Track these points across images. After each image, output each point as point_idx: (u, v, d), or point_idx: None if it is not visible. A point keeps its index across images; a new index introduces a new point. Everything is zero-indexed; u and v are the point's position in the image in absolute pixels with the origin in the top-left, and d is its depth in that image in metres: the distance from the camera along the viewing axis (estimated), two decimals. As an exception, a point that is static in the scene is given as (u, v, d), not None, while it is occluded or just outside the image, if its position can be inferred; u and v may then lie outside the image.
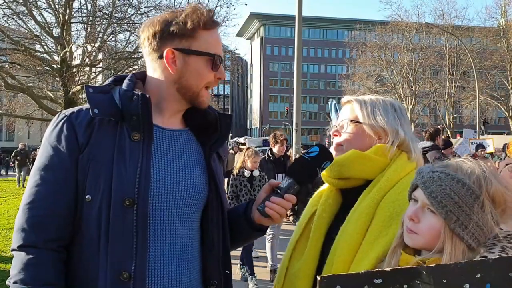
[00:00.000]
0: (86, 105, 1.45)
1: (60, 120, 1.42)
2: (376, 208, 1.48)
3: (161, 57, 1.45)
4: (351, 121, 1.61)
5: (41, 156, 1.40)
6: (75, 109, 1.46)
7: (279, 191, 1.47)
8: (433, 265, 0.96)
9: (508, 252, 1.12)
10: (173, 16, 1.44)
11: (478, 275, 0.93)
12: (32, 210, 1.35)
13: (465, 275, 0.93)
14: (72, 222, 1.37)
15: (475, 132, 15.01)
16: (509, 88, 37.70)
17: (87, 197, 1.35)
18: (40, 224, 1.34)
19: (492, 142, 14.01)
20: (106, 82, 1.52)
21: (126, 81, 1.47)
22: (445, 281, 0.93)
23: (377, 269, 0.95)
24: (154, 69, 1.49)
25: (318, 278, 0.94)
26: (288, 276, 1.62)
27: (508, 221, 1.20)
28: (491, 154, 12.65)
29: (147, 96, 1.40)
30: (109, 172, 1.35)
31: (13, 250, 1.35)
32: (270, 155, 7.24)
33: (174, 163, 1.47)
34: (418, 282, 0.93)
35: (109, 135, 1.39)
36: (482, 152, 10.58)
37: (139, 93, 1.40)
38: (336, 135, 1.65)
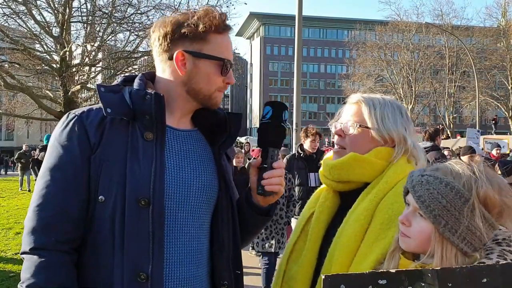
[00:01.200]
0: (96, 105, 1.44)
1: (71, 120, 1.40)
2: (374, 210, 1.46)
3: (171, 58, 1.44)
4: (360, 125, 1.57)
5: (51, 156, 1.38)
6: (84, 108, 1.45)
7: (266, 166, 1.46)
8: (439, 268, 0.95)
9: (506, 257, 1.09)
10: (185, 18, 1.43)
11: (484, 280, 0.92)
12: (42, 211, 1.32)
13: (471, 280, 0.92)
14: (83, 222, 1.35)
15: (479, 131, 14.88)
16: (509, 88, 37.72)
17: (100, 197, 1.33)
18: (50, 226, 1.32)
19: (508, 142, 13.71)
20: (116, 82, 1.50)
21: (137, 81, 1.46)
22: (450, 285, 0.92)
23: (381, 270, 0.95)
24: (163, 70, 1.48)
25: (323, 277, 0.94)
26: (285, 279, 1.61)
27: (508, 224, 1.17)
28: (508, 154, 12.18)
29: (161, 95, 1.39)
30: (123, 172, 1.33)
31: (24, 253, 1.33)
32: (300, 152, 6.16)
33: (186, 164, 1.46)
34: (423, 284, 0.92)
35: (121, 134, 1.38)
36: (498, 152, 10.14)
37: (153, 92, 1.39)
38: (340, 135, 1.62)
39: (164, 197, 1.37)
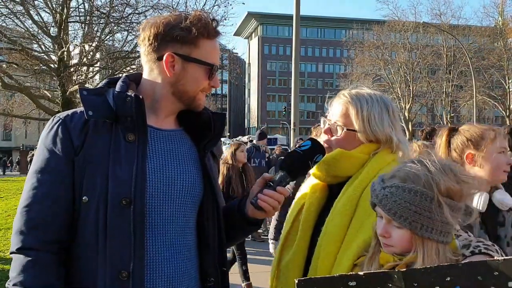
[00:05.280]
0: (80, 108, 1.47)
1: (55, 124, 1.44)
2: (358, 200, 1.53)
3: (159, 58, 1.47)
4: (347, 129, 1.63)
5: (37, 159, 1.42)
6: (69, 112, 1.48)
7: (272, 184, 1.50)
8: (404, 269, 1.01)
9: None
10: (177, 20, 1.45)
11: (448, 278, 0.98)
12: (29, 212, 1.36)
13: (435, 279, 0.98)
14: (70, 223, 1.38)
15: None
16: (507, 87, 37.80)
17: (83, 198, 1.37)
18: (38, 227, 1.35)
19: None
20: (100, 84, 1.54)
21: (119, 83, 1.49)
22: (416, 284, 0.98)
23: (351, 273, 1.01)
24: (150, 70, 1.51)
25: (296, 281, 1.00)
26: (280, 268, 1.68)
27: (469, 202, 1.27)
28: None
29: (141, 97, 1.42)
30: (105, 173, 1.37)
31: (12, 253, 1.36)
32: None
33: (169, 163, 1.49)
34: (390, 285, 0.98)
35: (104, 136, 1.41)
36: None
37: (133, 95, 1.42)
38: (326, 134, 1.68)
39: (147, 197, 1.40)
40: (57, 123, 1.44)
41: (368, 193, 1.50)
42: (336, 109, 1.68)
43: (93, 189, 1.37)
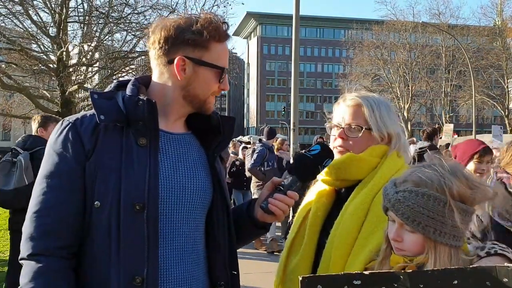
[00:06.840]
0: (89, 111, 1.46)
1: (65, 127, 1.41)
2: (370, 204, 1.53)
3: (170, 62, 1.45)
4: (365, 128, 1.62)
5: (47, 163, 1.40)
6: (78, 115, 1.46)
7: (282, 188, 1.50)
8: (411, 271, 1.00)
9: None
10: (188, 23, 1.44)
11: (455, 282, 0.96)
12: (40, 218, 1.34)
13: (442, 281, 0.97)
14: (81, 228, 1.36)
15: (501, 128, 14.65)
16: (505, 87, 37.83)
17: (96, 203, 1.35)
18: (48, 232, 1.33)
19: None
20: (109, 88, 1.52)
21: (129, 86, 1.47)
22: (421, 286, 0.96)
23: (356, 272, 1.00)
24: (160, 73, 1.49)
25: (300, 278, 0.98)
26: (286, 272, 1.67)
27: (481, 206, 1.27)
28: None
29: (153, 101, 1.41)
30: (118, 177, 1.35)
31: (22, 259, 1.34)
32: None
33: (180, 167, 1.48)
34: (396, 285, 0.97)
35: (115, 140, 1.39)
36: None
37: (145, 98, 1.40)
38: (342, 138, 1.65)
39: (159, 201, 1.38)
40: (67, 127, 1.41)
41: (380, 198, 1.49)
42: (347, 112, 1.67)
43: (106, 194, 1.34)
